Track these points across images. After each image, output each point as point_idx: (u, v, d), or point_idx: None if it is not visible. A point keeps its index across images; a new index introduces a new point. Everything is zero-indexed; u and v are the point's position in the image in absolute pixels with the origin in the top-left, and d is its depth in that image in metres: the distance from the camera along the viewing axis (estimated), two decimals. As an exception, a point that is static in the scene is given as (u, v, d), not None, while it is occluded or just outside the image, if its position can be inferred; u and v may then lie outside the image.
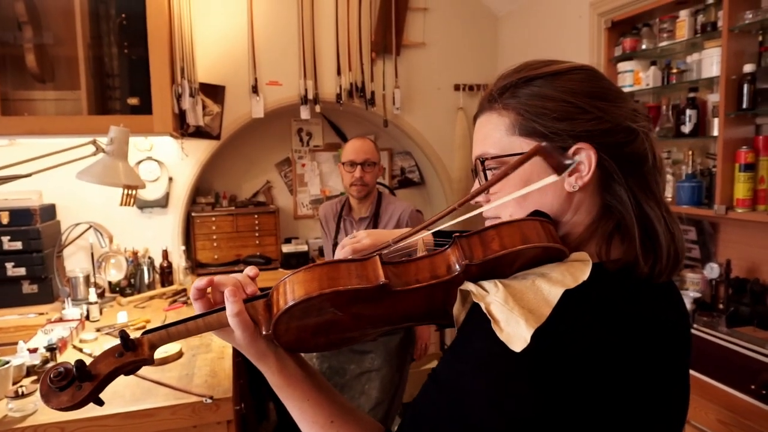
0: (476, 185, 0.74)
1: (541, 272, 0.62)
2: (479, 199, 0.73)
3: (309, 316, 0.65)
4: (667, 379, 0.65)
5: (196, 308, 0.71)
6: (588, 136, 0.66)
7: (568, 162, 0.65)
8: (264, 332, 0.66)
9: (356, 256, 0.65)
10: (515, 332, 0.57)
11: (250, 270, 0.72)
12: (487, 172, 0.71)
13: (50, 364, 1.81)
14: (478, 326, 0.60)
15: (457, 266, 0.62)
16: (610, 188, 0.67)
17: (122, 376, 0.68)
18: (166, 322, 0.69)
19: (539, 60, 0.72)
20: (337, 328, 0.70)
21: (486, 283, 0.62)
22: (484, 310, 0.59)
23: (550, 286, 0.60)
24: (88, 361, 0.66)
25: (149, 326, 1.38)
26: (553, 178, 0.64)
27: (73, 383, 0.64)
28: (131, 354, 0.66)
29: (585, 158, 0.65)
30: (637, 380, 0.61)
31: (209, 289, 0.70)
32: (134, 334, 0.68)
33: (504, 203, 0.69)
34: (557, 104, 0.66)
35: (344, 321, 0.67)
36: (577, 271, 0.61)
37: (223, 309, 0.67)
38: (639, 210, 0.67)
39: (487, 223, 0.73)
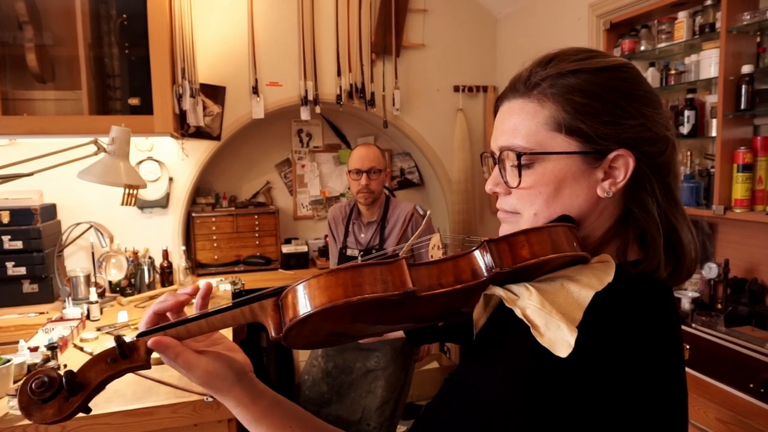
0: (495, 174, 0.70)
1: (568, 275, 0.61)
2: (498, 190, 0.70)
3: (326, 321, 0.61)
4: (682, 377, 0.66)
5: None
6: (632, 144, 0.64)
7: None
8: (273, 335, 0.61)
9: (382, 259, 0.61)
10: (557, 337, 0.54)
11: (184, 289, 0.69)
12: (522, 167, 0.66)
13: (51, 363, 1.83)
14: (507, 331, 0.58)
15: (485, 272, 0.59)
16: (637, 196, 0.66)
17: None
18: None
19: (580, 48, 0.68)
20: (351, 331, 0.66)
21: (515, 287, 0.60)
22: (520, 316, 0.57)
23: (580, 288, 0.59)
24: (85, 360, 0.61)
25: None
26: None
27: (59, 394, 0.58)
28: (126, 361, 0.61)
29: (622, 165, 0.64)
30: (665, 378, 0.61)
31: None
32: (133, 335, 0.63)
33: (530, 200, 0.66)
34: (606, 105, 0.63)
35: (360, 324, 0.64)
36: (602, 273, 0.61)
37: (229, 308, 0.63)
38: (666, 220, 0.66)
39: (501, 217, 0.71)
